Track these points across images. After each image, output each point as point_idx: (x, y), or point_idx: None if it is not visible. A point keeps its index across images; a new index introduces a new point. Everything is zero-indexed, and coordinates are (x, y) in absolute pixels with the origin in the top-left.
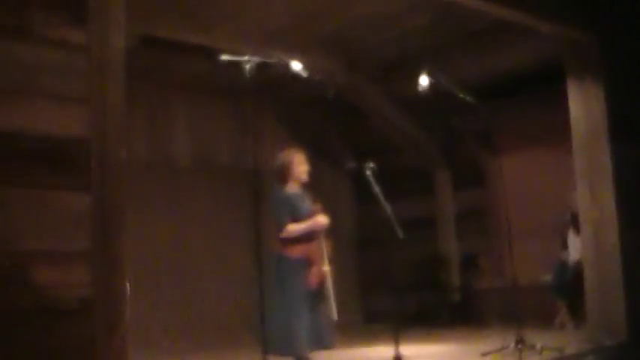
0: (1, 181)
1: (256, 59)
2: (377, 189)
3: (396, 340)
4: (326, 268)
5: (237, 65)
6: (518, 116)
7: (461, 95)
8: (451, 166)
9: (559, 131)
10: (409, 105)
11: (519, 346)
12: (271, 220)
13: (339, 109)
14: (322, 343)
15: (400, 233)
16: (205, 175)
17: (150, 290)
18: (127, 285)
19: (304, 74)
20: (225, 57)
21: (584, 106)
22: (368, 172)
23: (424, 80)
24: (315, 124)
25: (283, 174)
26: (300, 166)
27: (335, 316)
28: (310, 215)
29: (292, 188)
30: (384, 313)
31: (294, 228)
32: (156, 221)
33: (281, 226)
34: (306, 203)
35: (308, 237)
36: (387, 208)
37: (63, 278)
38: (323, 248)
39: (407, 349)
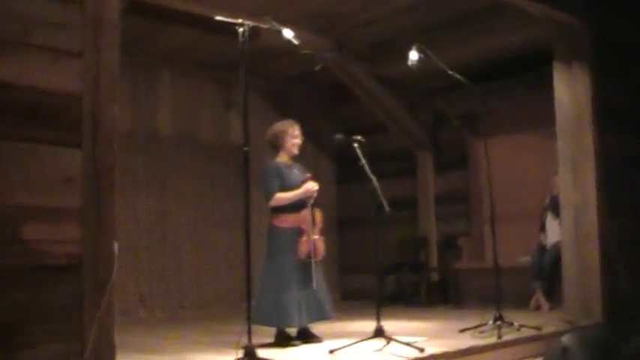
0: None
1: (250, 23)
2: (364, 161)
3: (378, 315)
4: (316, 237)
5: (225, 35)
6: (504, 99)
7: (450, 72)
8: (435, 148)
9: (545, 116)
10: (395, 85)
11: (498, 322)
12: (260, 190)
13: (325, 86)
14: (322, 314)
15: (387, 206)
16: (188, 147)
17: (129, 261)
18: (115, 244)
19: (296, 42)
20: (219, 17)
21: (569, 90)
22: (355, 145)
23: (414, 55)
24: (301, 100)
25: (275, 145)
26: (293, 138)
27: (315, 285)
28: (300, 186)
29: (283, 159)
30: (361, 291)
31: (282, 196)
32: (137, 192)
33: (269, 195)
34: (296, 174)
35: (297, 206)
36: (374, 180)
37: (52, 234)
38: (314, 217)
39: (386, 325)
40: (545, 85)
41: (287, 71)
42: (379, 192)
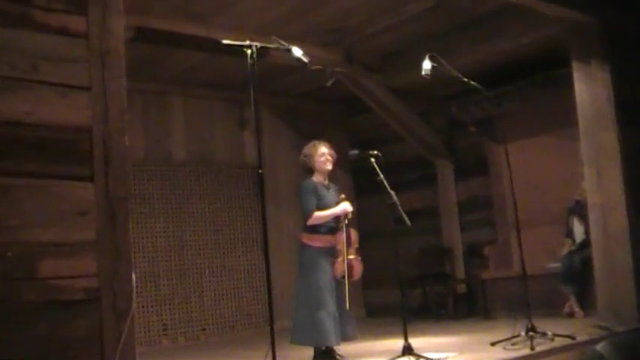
0: (5, 171)
1: (257, 44)
2: (382, 176)
3: (405, 332)
4: (352, 257)
5: (234, 55)
6: (519, 103)
7: (464, 80)
8: (453, 155)
9: (562, 117)
10: (407, 94)
11: (530, 333)
12: (298, 210)
13: (337, 100)
14: (349, 335)
15: (408, 221)
16: (203, 170)
17: (149, 289)
18: (133, 275)
19: (305, 60)
20: (226, 41)
21: (589, 90)
22: (372, 160)
23: (427, 65)
24: (313, 114)
25: (307, 168)
26: (320, 157)
27: (347, 306)
28: (335, 205)
29: (318, 179)
30: (386, 306)
31: (320, 214)
32: (153, 219)
33: (307, 214)
34: (332, 195)
35: (332, 228)
36: (393, 195)
37: (69, 269)
38: (349, 237)
39: (414, 342)
40: (561, 86)
41: (298, 87)
42: (399, 206)
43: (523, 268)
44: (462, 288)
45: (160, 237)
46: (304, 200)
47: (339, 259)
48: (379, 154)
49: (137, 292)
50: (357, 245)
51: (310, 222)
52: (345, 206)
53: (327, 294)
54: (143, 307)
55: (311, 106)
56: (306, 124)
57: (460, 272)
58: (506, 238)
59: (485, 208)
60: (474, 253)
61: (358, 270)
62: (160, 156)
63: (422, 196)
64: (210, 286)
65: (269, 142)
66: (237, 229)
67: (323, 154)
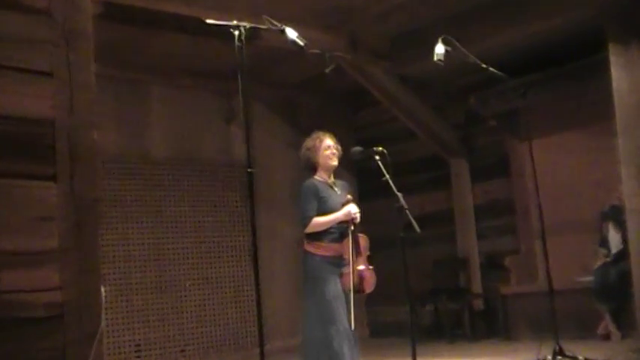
0: None
1: (246, 24)
2: (387, 176)
3: (414, 355)
4: (361, 267)
5: (220, 38)
6: (547, 93)
7: (483, 66)
8: (470, 154)
9: (597, 110)
10: (420, 84)
11: (558, 358)
12: (297, 213)
13: (340, 91)
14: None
15: (417, 227)
16: (185, 169)
17: (120, 305)
18: (103, 289)
19: (301, 43)
20: (211, 21)
21: (629, 77)
22: (377, 157)
23: (440, 49)
24: (313, 108)
25: (309, 165)
26: (324, 151)
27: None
28: (340, 208)
29: (322, 177)
30: (393, 326)
31: (318, 221)
32: (128, 224)
33: (305, 220)
34: (337, 195)
35: (338, 235)
36: (401, 197)
37: (29, 282)
38: (357, 245)
39: None
40: (596, 74)
41: (295, 76)
42: (407, 210)
43: (550, 281)
44: (479, 304)
45: (135, 245)
46: (303, 205)
47: (347, 271)
48: (384, 151)
49: (107, 308)
50: (368, 253)
51: (308, 230)
52: (350, 209)
53: (339, 308)
54: (114, 325)
55: (310, 99)
56: (305, 119)
57: (477, 286)
58: (530, 247)
59: (506, 214)
60: (493, 264)
61: (371, 282)
62: (135, 153)
63: (434, 200)
64: (191, 301)
65: (262, 139)
66: (223, 236)
67: (329, 146)
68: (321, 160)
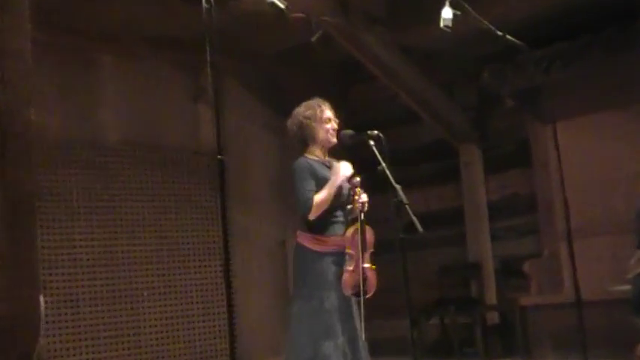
0: None
1: None
2: (384, 165)
3: None
4: (367, 265)
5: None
6: (577, 67)
7: (499, 33)
8: (483, 140)
9: (634, 87)
10: (425, 56)
11: None
12: (294, 200)
13: (328, 64)
14: None
15: (420, 227)
16: (144, 157)
17: (65, 319)
18: (42, 299)
19: (282, 5)
20: None
21: None
22: (372, 143)
23: (447, 13)
24: (297, 84)
25: (302, 138)
26: (324, 123)
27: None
28: (346, 200)
29: (316, 155)
30: (393, 342)
31: (320, 198)
32: (74, 222)
33: (305, 204)
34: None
35: (341, 222)
36: (400, 191)
37: None
38: (364, 238)
39: None
40: (634, 45)
41: (275, 47)
42: (408, 206)
43: (577, 291)
44: (493, 318)
45: (82, 248)
46: (299, 186)
47: (350, 268)
48: (380, 136)
49: (48, 323)
50: (372, 249)
51: (313, 214)
52: (345, 171)
53: (335, 319)
54: (56, 343)
55: (293, 74)
56: (287, 98)
57: (491, 296)
58: (554, 250)
59: (526, 211)
60: (510, 270)
61: (373, 284)
62: (83, 137)
63: (440, 194)
64: (150, 314)
65: (236, 121)
66: (189, 237)
67: (329, 119)
68: (320, 135)
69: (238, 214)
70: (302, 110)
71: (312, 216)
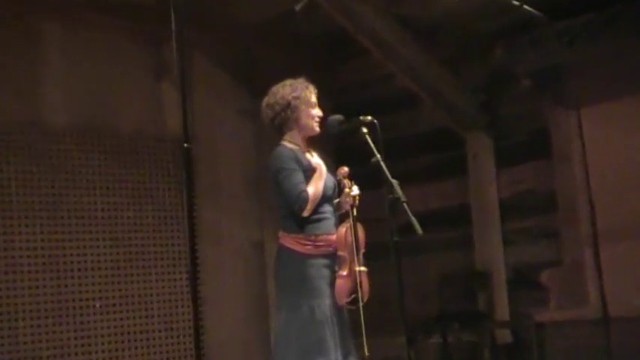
0: None
1: None
2: (379, 156)
3: None
4: (362, 268)
5: None
6: (605, 42)
7: (515, 2)
8: (494, 128)
9: None
10: (427, 30)
11: None
12: (276, 198)
13: (313, 38)
14: None
15: (419, 228)
16: (96, 144)
17: (2, 334)
18: None
19: None
20: None
21: None
22: (364, 131)
23: None
24: (277, 62)
25: (284, 118)
26: (310, 108)
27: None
28: (333, 194)
29: (295, 143)
30: None
31: (315, 192)
32: (9, 221)
33: (300, 196)
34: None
35: (333, 217)
36: (396, 186)
37: None
38: (356, 237)
39: None
40: None
41: (252, 17)
42: (405, 204)
43: (604, 305)
44: (505, 336)
45: (22, 251)
46: (286, 180)
47: (344, 273)
48: (375, 122)
49: None
50: (364, 250)
51: (308, 210)
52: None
53: (328, 332)
54: None
55: (272, 49)
56: (265, 77)
57: (502, 311)
58: (576, 258)
59: (543, 211)
60: (524, 280)
61: (366, 290)
62: (23, 120)
63: (443, 191)
64: (103, 329)
65: (206, 104)
66: (150, 238)
67: (315, 104)
68: (304, 120)
69: (208, 211)
70: (288, 90)
71: (307, 212)
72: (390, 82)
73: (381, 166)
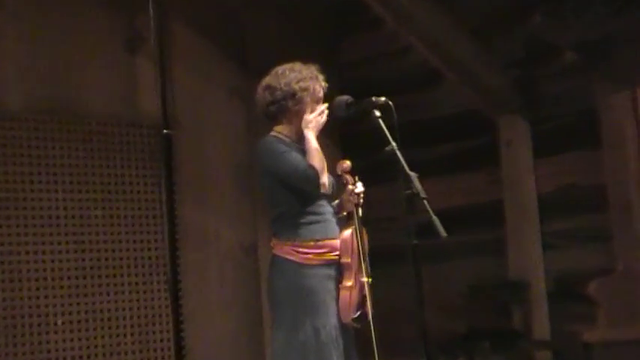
0: None
1: None
2: (394, 144)
3: None
4: (365, 279)
5: None
6: None
7: None
8: (533, 110)
9: None
10: None
11: None
12: (267, 197)
13: (315, 5)
14: None
15: (442, 230)
16: (59, 128)
17: None
18: None
19: None
20: None
21: None
22: (376, 114)
23: None
24: (273, 33)
25: (284, 108)
26: (315, 102)
27: None
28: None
29: (290, 135)
30: None
31: (316, 162)
32: None
33: (307, 174)
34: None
35: (327, 220)
36: (415, 179)
37: None
38: (361, 243)
39: None
40: None
41: None
42: (425, 200)
43: None
44: (545, 358)
45: None
46: (283, 162)
47: (349, 284)
48: (389, 103)
49: None
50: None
51: (325, 183)
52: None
53: (335, 356)
54: None
55: (266, 19)
56: (258, 51)
57: (542, 329)
58: (631, 265)
59: (591, 210)
60: (568, 293)
61: (370, 304)
62: None
63: (470, 185)
64: (66, 351)
65: (188, 82)
66: (123, 242)
67: (322, 100)
68: (302, 112)
69: (191, 209)
70: (296, 77)
71: (323, 186)
72: (407, 57)
73: (397, 156)
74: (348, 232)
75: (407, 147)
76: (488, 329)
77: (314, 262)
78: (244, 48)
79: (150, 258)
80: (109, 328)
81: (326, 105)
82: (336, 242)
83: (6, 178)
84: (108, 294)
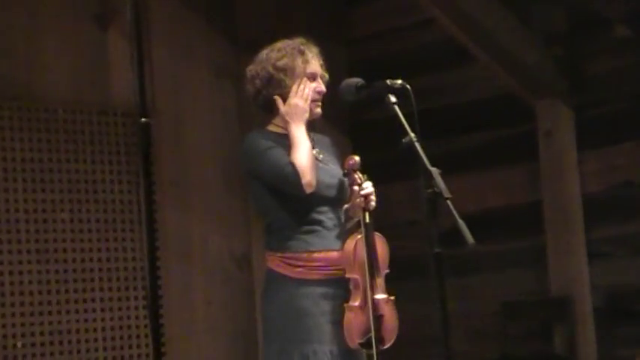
0: None
1: None
2: (412, 135)
3: None
4: (380, 296)
5: None
6: None
7: None
8: (577, 93)
9: None
10: None
11: None
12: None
13: None
14: None
15: (469, 236)
16: (17, 115)
17: None
18: None
19: None
20: None
21: None
22: (392, 100)
23: None
24: (269, 8)
25: (266, 98)
26: (310, 80)
27: None
28: (343, 194)
29: (283, 127)
30: None
31: (298, 158)
32: None
33: (285, 173)
34: (321, 158)
35: (328, 228)
36: (437, 176)
37: None
38: (374, 253)
39: None
40: None
41: None
42: (449, 200)
43: None
44: None
45: None
46: (264, 160)
47: (356, 304)
48: (407, 87)
49: None
50: (387, 270)
51: (309, 180)
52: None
53: None
54: None
55: None
56: (253, 27)
57: (589, 352)
58: None
59: None
60: (619, 310)
61: (393, 326)
62: None
63: (504, 183)
64: None
65: (170, 62)
66: (93, 250)
67: (314, 74)
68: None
69: (173, 212)
70: (273, 57)
71: (309, 187)
72: (429, 31)
73: (416, 149)
74: (352, 242)
75: (428, 138)
76: (526, 353)
77: (308, 278)
78: (235, 21)
79: (125, 269)
80: (78, 352)
81: (304, 79)
82: (334, 255)
83: None
84: (76, 312)
